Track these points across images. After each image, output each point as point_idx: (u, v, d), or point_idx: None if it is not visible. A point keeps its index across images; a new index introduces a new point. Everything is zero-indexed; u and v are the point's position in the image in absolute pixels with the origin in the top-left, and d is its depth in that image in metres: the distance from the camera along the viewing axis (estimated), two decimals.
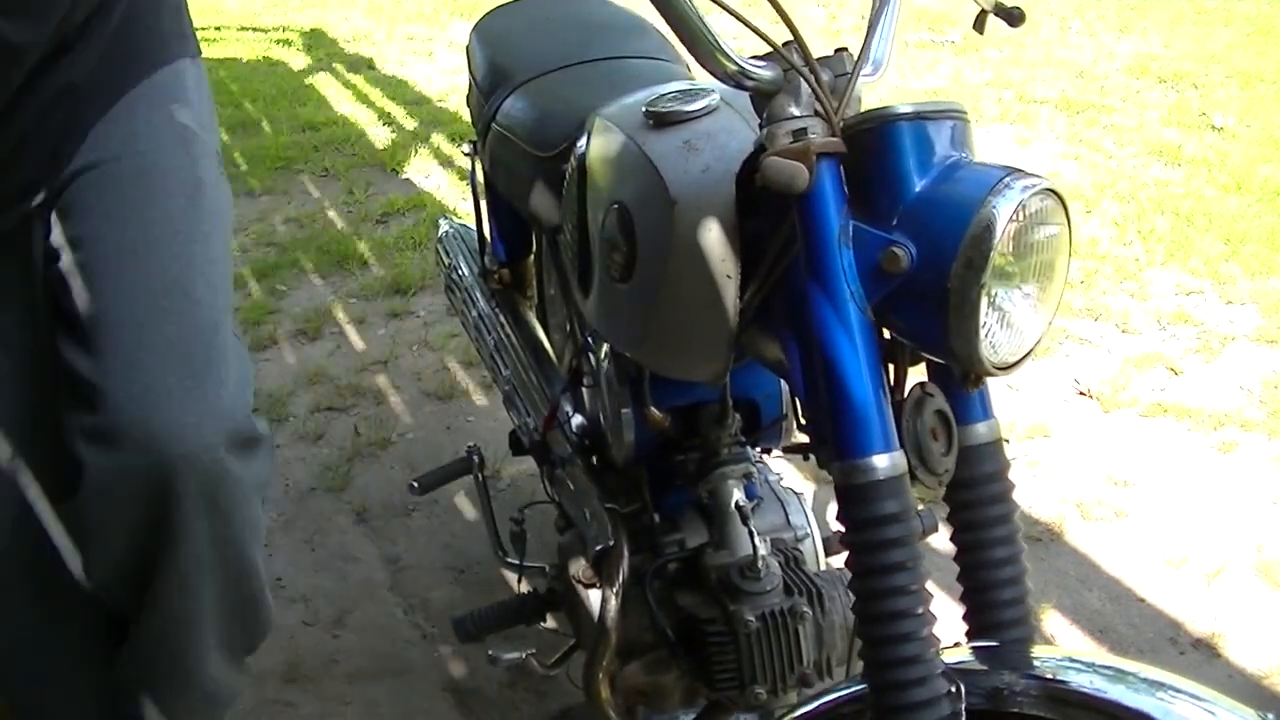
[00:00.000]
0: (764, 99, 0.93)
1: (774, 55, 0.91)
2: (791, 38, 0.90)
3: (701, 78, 1.06)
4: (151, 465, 1.05)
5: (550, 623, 1.57)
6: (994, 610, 0.96)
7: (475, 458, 1.83)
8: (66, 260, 1.10)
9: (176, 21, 1.20)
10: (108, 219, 1.11)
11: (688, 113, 1.10)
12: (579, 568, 1.42)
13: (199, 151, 1.17)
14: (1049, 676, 0.89)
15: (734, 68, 0.90)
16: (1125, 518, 2.12)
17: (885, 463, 0.87)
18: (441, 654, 1.88)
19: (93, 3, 1.10)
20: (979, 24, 1.09)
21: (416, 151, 4.06)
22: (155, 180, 1.13)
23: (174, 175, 1.15)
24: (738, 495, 1.27)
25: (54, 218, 1.12)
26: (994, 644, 0.95)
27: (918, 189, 0.88)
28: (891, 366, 0.95)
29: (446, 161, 3.97)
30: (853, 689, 0.93)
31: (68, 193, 1.11)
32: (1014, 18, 1.05)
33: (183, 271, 1.12)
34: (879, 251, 0.88)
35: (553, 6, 1.90)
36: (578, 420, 1.53)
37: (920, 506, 0.92)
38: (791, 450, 1.28)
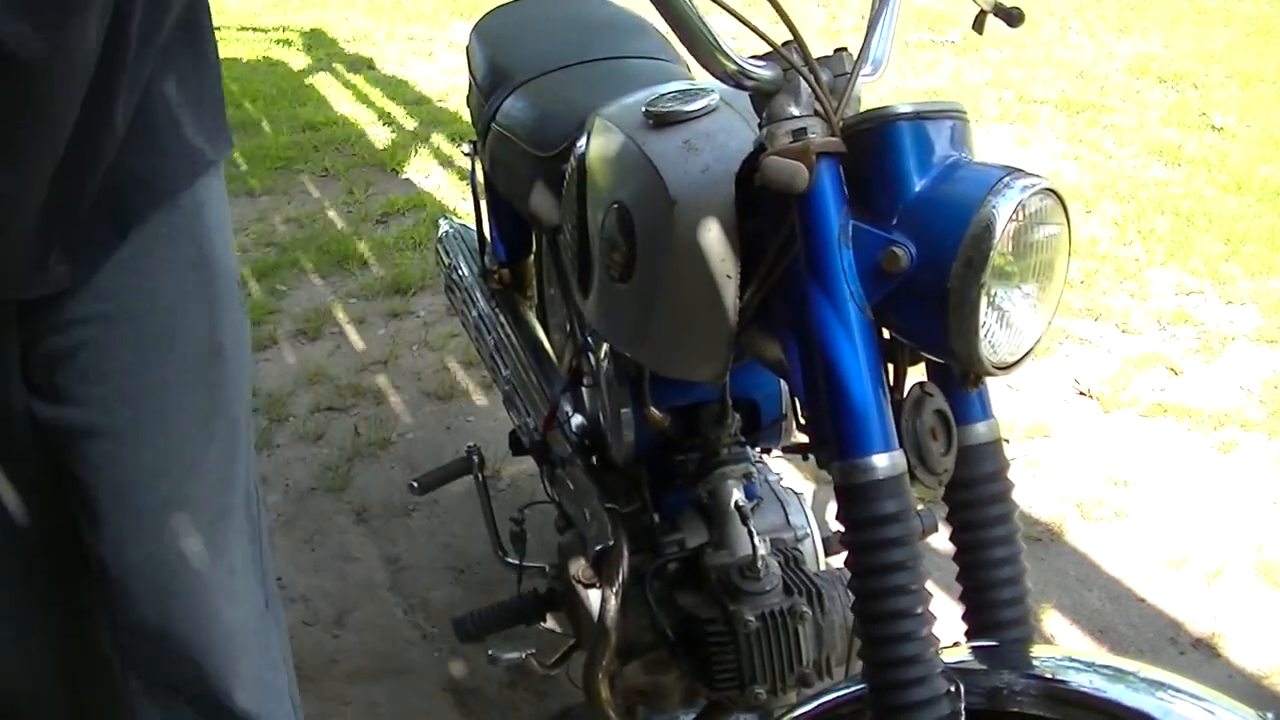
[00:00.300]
0: (764, 99, 0.93)
1: (774, 55, 0.91)
2: (791, 37, 0.90)
3: (701, 77, 1.06)
4: (170, 660, 1.04)
5: (550, 623, 1.57)
6: (993, 610, 0.96)
7: (475, 458, 1.83)
8: (70, 415, 0.99)
9: (216, 116, 1.04)
10: (123, 389, 0.99)
11: (687, 113, 1.11)
12: (579, 568, 1.42)
13: (222, 304, 1.05)
14: (1048, 676, 0.89)
15: (734, 67, 0.90)
16: (1125, 518, 2.12)
17: (885, 462, 0.87)
18: (441, 654, 1.88)
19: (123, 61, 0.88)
20: (978, 24, 1.09)
21: (416, 151, 4.06)
22: (177, 346, 1.02)
23: (196, 339, 1.03)
24: (738, 495, 1.27)
25: (54, 353, 0.97)
26: (993, 644, 0.95)
27: (917, 189, 0.88)
28: (891, 366, 0.95)
29: (446, 161, 3.97)
30: (853, 689, 0.93)
31: (77, 332, 0.97)
32: (1013, 18, 1.05)
33: (200, 452, 1.04)
34: (879, 251, 0.88)
35: (553, 6, 1.91)
36: (578, 420, 1.53)
37: (919, 506, 0.92)
38: (791, 450, 1.28)
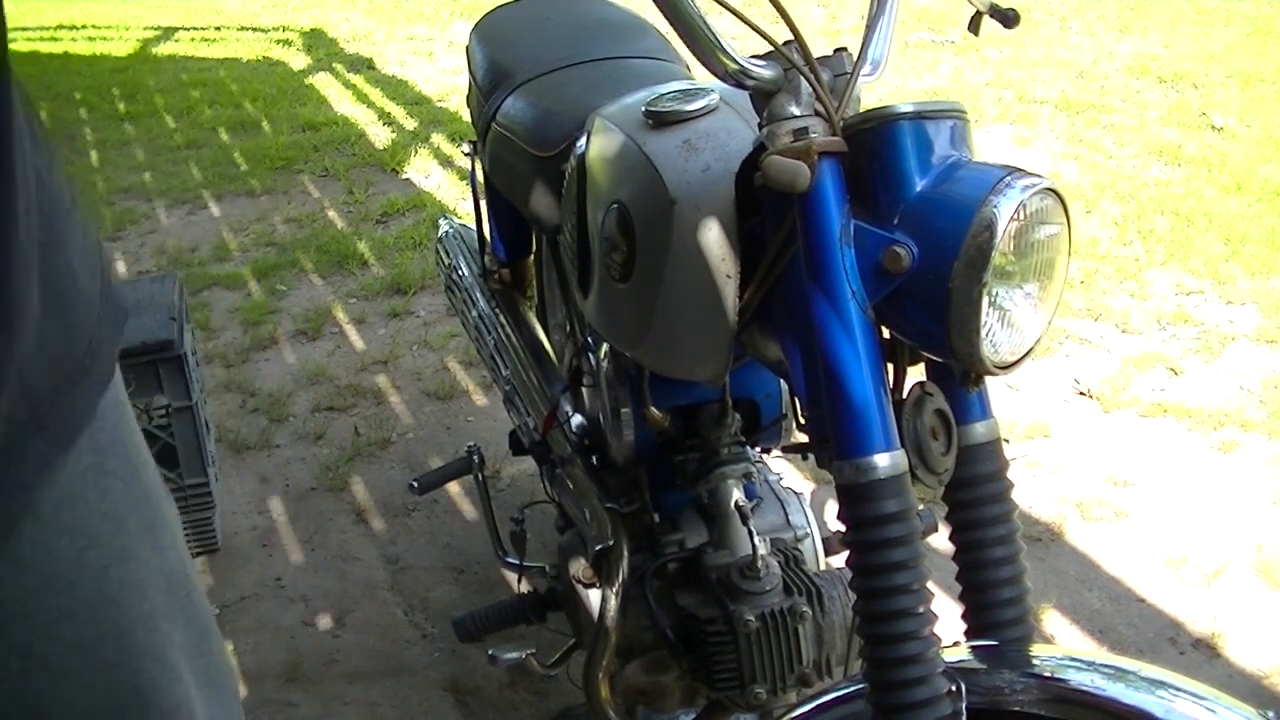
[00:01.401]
0: (764, 98, 0.93)
1: (774, 54, 0.91)
2: (792, 37, 0.90)
3: (702, 77, 1.06)
4: None
5: (550, 623, 1.57)
6: (993, 610, 0.96)
7: (475, 458, 1.83)
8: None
9: (101, 258, 0.67)
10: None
11: (688, 112, 1.11)
12: (579, 568, 1.42)
13: (171, 533, 0.72)
14: (1049, 675, 0.89)
15: (734, 67, 0.90)
16: (1125, 518, 2.12)
17: (886, 462, 0.87)
18: (441, 654, 1.88)
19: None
20: (974, 26, 1.09)
21: (416, 151, 4.06)
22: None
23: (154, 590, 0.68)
24: (738, 495, 1.27)
25: None
26: (993, 643, 0.95)
27: (919, 188, 0.88)
28: (891, 366, 0.95)
29: (446, 161, 3.97)
30: (853, 689, 0.93)
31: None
32: (1009, 19, 1.05)
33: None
34: (880, 251, 0.88)
35: (553, 6, 1.91)
36: (578, 420, 1.53)
37: (919, 506, 0.92)
38: (791, 450, 1.28)
